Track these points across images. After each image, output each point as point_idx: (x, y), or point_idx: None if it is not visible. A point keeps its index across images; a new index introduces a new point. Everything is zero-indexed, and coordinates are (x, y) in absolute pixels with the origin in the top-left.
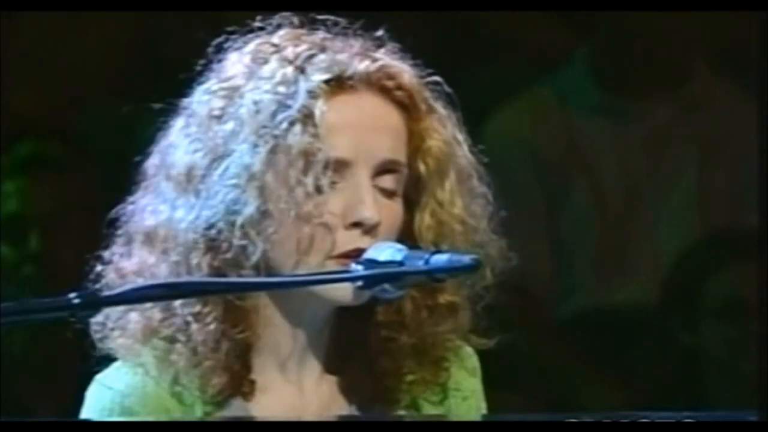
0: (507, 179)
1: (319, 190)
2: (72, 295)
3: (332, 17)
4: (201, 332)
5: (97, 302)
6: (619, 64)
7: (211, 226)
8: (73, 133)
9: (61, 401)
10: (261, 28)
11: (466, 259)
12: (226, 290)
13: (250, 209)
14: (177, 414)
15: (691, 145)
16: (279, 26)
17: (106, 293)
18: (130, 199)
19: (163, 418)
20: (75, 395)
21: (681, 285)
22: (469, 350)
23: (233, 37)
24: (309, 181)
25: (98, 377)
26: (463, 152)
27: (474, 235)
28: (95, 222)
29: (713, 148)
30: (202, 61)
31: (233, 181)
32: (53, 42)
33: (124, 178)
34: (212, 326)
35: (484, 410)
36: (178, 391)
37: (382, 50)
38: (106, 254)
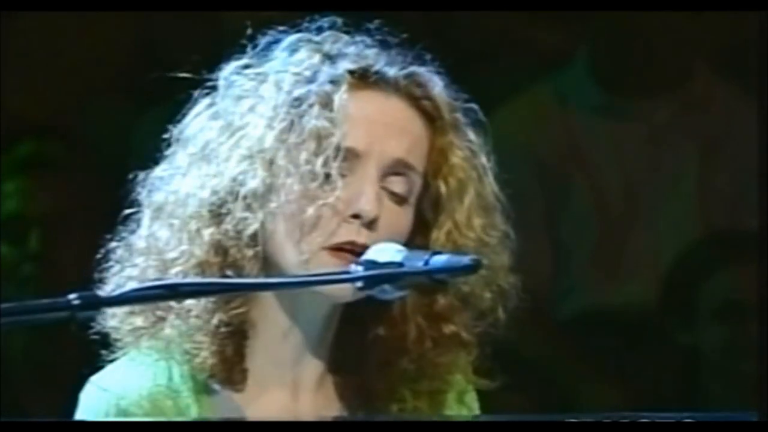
0: (507, 179)
1: (327, 173)
2: (72, 295)
3: (377, 25)
4: (195, 304)
5: (97, 303)
6: (619, 64)
7: (215, 194)
8: (73, 133)
9: (61, 401)
10: (307, 28)
11: (466, 259)
12: (226, 290)
13: (255, 181)
14: (172, 415)
15: (691, 146)
16: (321, 28)
17: (106, 294)
18: (150, 173)
19: (159, 419)
20: (74, 395)
21: (680, 285)
22: (467, 385)
23: (278, 31)
24: (318, 163)
25: (93, 379)
26: (488, 181)
27: (489, 270)
28: (95, 222)
29: (713, 148)
30: (244, 46)
31: (243, 152)
32: (53, 42)
33: (124, 178)
34: (204, 299)
35: None
36: (174, 392)
37: (423, 68)
38: (124, 233)
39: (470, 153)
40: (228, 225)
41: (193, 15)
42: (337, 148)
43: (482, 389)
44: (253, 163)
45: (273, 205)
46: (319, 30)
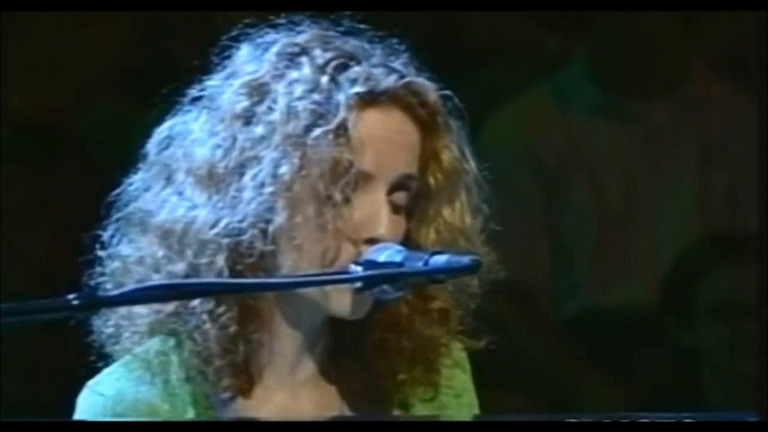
0: (507, 180)
1: (346, 201)
2: (71, 295)
3: (353, 19)
4: (216, 333)
5: (97, 303)
6: (619, 64)
7: (238, 232)
8: (48, 127)
9: (60, 401)
10: (280, 24)
11: (465, 260)
12: (227, 291)
13: (280, 218)
14: (169, 419)
15: (691, 146)
16: (294, 22)
17: (106, 294)
18: (128, 180)
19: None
20: (72, 397)
21: (680, 285)
22: (458, 346)
23: (251, 30)
24: (337, 192)
25: (89, 384)
26: (471, 167)
27: (471, 247)
28: (60, 214)
29: (713, 148)
30: (216, 50)
31: (267, 189)
32: (42, 39)
33: (96, 173)
34: (232, 329)
35: (475, 406)
36: (171, 395)
37: (400, 60)
38: (105, 237)
39: (455, 147)
40: (252, 259)
41: (193, 14)
42: (356, 175)
43: (471, 349)
44: (275, 201)
45: (297, 241)
46: (297, 26)
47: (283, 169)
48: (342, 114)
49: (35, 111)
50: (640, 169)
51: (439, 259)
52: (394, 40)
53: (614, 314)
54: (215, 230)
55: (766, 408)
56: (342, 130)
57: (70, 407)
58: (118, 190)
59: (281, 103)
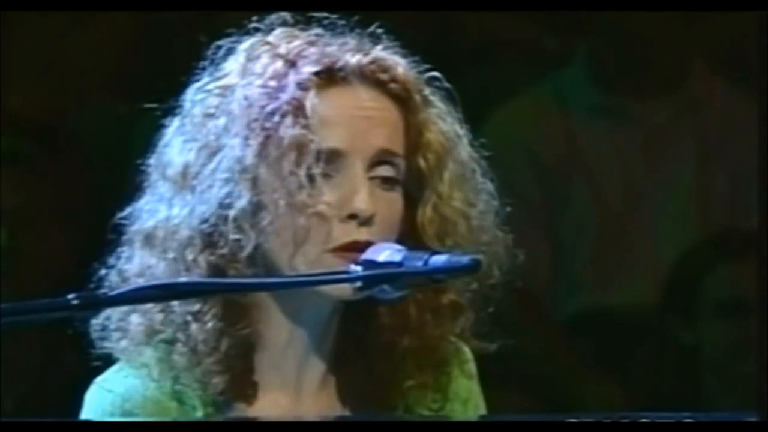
0: (507, 180)
1: (311, 179)
2: (71, 295)
3: (328, 15)
4: (200, 331)
5: (96, 303)
6: (618, 64)
7: (205, 221)
8: (51, 130)
9: (61, 401)
10: (257, 29)
11: (465, 259)
12: (225, 290)
13: (242, 202)
14: (177, 417)
15: (691, 145)
16: (273, 25)
17: (105, 294)
18: (134, 203)
19: (164, 419)
20: (73, 395)
21: (680, 285)
22: (467, 353)
23: (231, 38)
24: (301, 171)
25: (98, 380)
26: (464, 147)
27: (480, 232)
28: (67, 218)
29: (712, 148)
30: (201, 63)
31: (225, 175)
32: (33, 39)
33: (100, 177)
34: (210, 324)
35: (482, 412)
36: (179, 394)
37: (379, 47)
38: (111, 259)
39: (442, 124)
40: (223, 249)
41: (192, 15)
42: (318, 153)
43: (482, 352)
44: (237, 185)
45: (264, 222)
46: (270, 29)
47: (244, 153)
48: (295, 94)
49: (35, 111)
50: (640, 169)
51: (439, 259)
52: (376, 30)
53: (614, 314)
54: (186, 224)
55: (766, 408)
56: (299, 110)
57: (70, 406)
58: (121, 213)
59: (239, 93)
